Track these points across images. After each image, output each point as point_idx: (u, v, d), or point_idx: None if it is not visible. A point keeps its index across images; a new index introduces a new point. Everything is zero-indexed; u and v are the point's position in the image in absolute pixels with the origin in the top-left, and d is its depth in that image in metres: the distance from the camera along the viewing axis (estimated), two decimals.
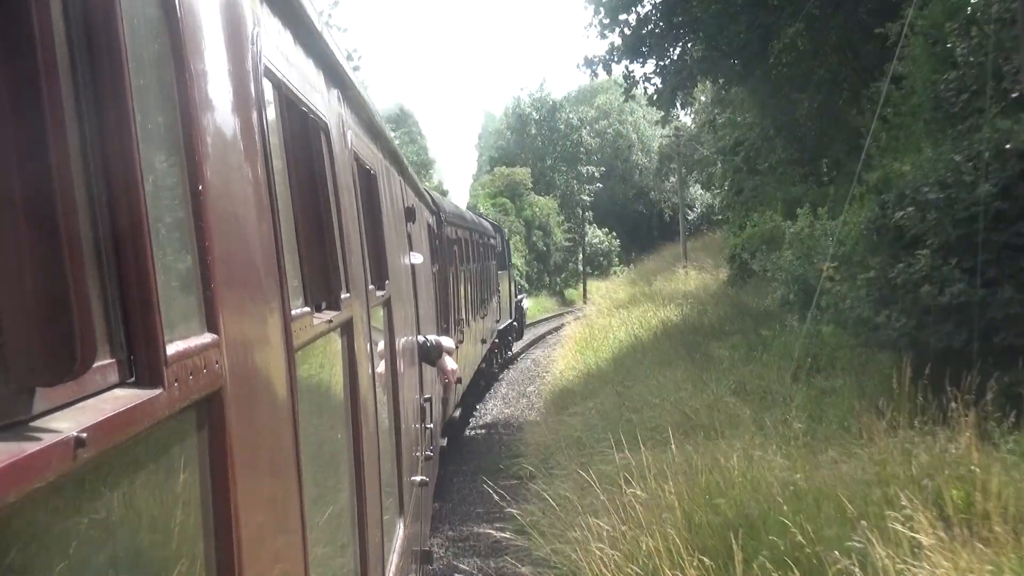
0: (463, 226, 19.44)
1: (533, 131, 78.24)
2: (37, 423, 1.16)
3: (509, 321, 31.32)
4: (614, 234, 76.68)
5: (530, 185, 66.38)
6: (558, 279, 69.29)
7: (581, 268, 70.64)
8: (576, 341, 30.34)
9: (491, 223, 30.89)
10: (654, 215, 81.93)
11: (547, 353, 34.00)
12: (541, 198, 68.05)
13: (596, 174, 76.27)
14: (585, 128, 78.35)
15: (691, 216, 79.10)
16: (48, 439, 1.12)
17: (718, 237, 48.50)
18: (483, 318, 22.25)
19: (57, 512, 1.23)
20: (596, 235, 75.63)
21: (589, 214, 75.02)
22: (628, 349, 23.98)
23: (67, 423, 1.19)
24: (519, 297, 37.24)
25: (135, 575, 1.51)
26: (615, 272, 71.69)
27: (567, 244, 69.89)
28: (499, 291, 27.95)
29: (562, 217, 70.58)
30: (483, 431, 21.25)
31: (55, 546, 1.24)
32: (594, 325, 32.21)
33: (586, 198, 74.74)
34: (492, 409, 23.86)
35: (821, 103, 23.57)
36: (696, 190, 78.75)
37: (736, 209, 32.14)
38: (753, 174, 29.09)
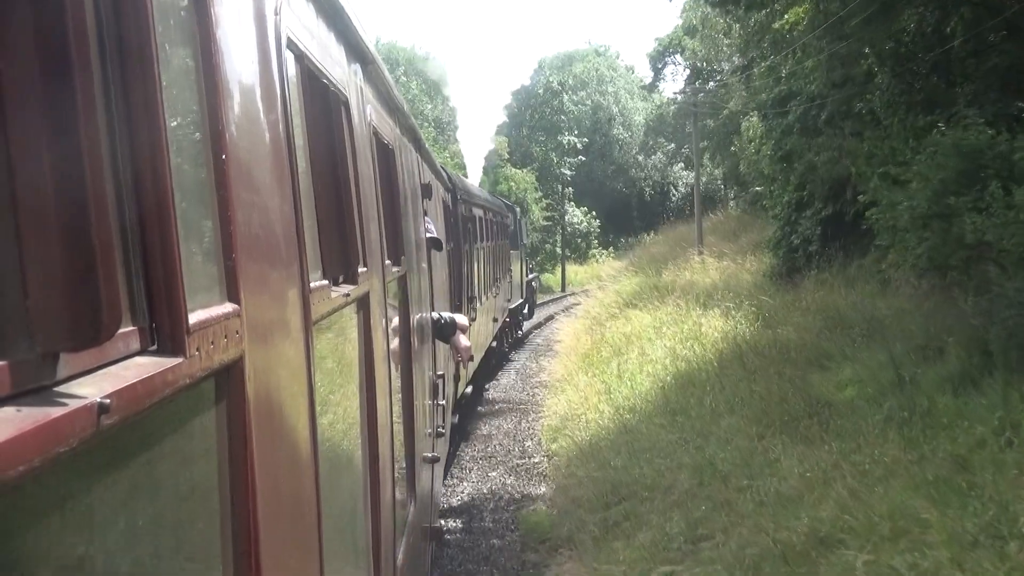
0: (477, 204, 19.44)
1: (508, 95, 70.46)
2: (61, 388, 1.17)
3: (520, 300, 31.33)
4: (593, 214, 68.06)
5: (506, 156, 58.89)
6: (533, 262, 61.20)
7: (560, 251, 62.71)
8: (583, 356, 21.72)
9: (505, 201, 30.90)
10: (634, 194, 74.06)
11: (537, 365, 25.71)
12: (518, 171, 60.57)
13: (578, 145, 66.88)
14: (567, 93, 69.05)
15: (674, 196, 72.98)
16: (72, 404, 1.13)
17: (725, 218, 40.83)
18: (495, 296, 22.26)
19: (81, 476, 1.24)
20: (575, 215, 67.34)
21: (569, 190, 66.51)
22: (684, 383, 15.37)
23: (91, 389, 1.20)
24: (530, 276, 37.22)
25: (155, 539, 1.52)
26: (594, 256, 65.52)
27: (545, 223, 63.15)
28: (511, 270, 27.96)
29: (540, 193, 62.56)
30: (461, 531, 11.66)
31: (78, 509, 1.25)
32: (606, 332, 23.73)
33: (567, 172, 65.71)
34: (471, 469, 14.81)
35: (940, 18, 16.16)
36: (678, 169, 72.13)
37: (787, 180, 23.88)
38: (810, 135, 21.76)
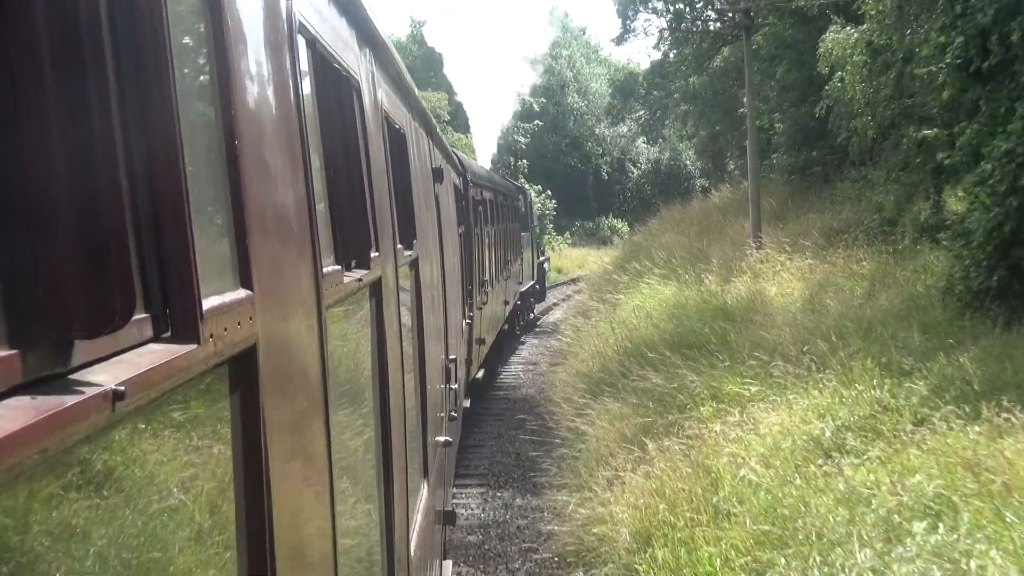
0: (488, 187, 19.43)
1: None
2: (76, 376, 1.16)
3: (531, 283, 31.33)
4: (548, 193, 55.17)
5: (447, 117, 46.46)
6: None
7: None
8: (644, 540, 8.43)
9: (514, 184, 30.86)
10: (590, 171, 64.26)
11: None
12: (463, 136, 48.83)
13: (535, 107, 56.24)
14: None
15: (633, 174, 64.69)
16: (87, 392, 1.12)
17: (775, 187, 27.00)
18: (506, 279, 22.26)
19: (96, 463, 1.24)
20: (530, 194, 51.97)
21: (524, 163, 54.31)
22: None
23: (105, 376, 1.19)
24: (541, 259, 37.16)
25: (170, 525, 1.53)
26: (549, 243, 52.75)
27: None
28: (522, 253, 27.94)
29: (491, 165, 48.58)
30: None
31: (93, 497, 1.25)
32: (713, 466, 9.10)
33: (521, 140, 54.19)
34: None
35: None
36: (639, 143, 63.45)
37: (995, 112, 12.76)
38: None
